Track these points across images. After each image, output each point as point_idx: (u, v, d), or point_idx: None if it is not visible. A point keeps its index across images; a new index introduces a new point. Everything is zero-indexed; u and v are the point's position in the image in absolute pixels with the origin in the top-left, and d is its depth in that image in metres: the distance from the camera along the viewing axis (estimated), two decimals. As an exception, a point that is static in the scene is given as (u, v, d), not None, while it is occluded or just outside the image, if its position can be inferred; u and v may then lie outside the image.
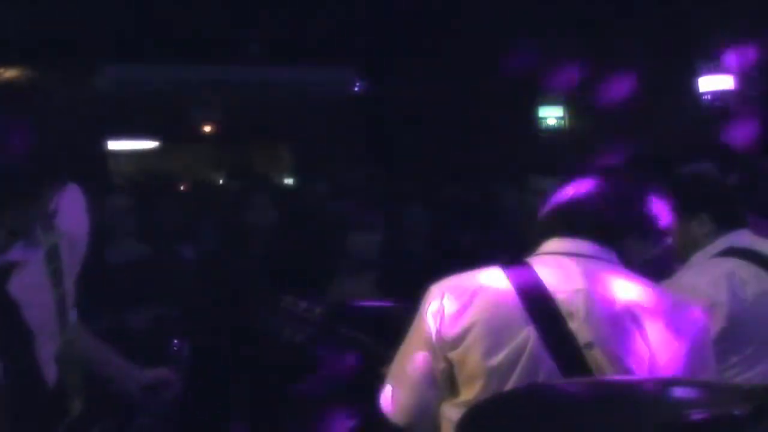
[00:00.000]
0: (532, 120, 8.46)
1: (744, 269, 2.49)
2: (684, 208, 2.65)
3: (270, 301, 4.06)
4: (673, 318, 1.80)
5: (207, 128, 9.65)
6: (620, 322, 1.77)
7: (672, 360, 1.76)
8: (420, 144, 9.35)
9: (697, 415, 1.21)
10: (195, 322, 4.08)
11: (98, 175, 8.61)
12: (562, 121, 8.45)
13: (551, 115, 8.45)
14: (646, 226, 1.96)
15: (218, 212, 5.28)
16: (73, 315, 1.90)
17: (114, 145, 10.27)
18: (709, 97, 6.33)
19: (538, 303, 1.80)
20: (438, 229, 5.14)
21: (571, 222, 1.93)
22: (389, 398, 1.95)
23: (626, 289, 1.82)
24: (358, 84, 9.39)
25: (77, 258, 1.88)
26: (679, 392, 1.45)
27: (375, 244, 3.91)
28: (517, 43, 7.99)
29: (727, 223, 2.61)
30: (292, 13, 7.36)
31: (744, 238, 2.60)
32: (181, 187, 7.59)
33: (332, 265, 3.98)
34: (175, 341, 3.36)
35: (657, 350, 1.75)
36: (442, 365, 1.84)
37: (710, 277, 2.49)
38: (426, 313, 1.87)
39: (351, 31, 7.94)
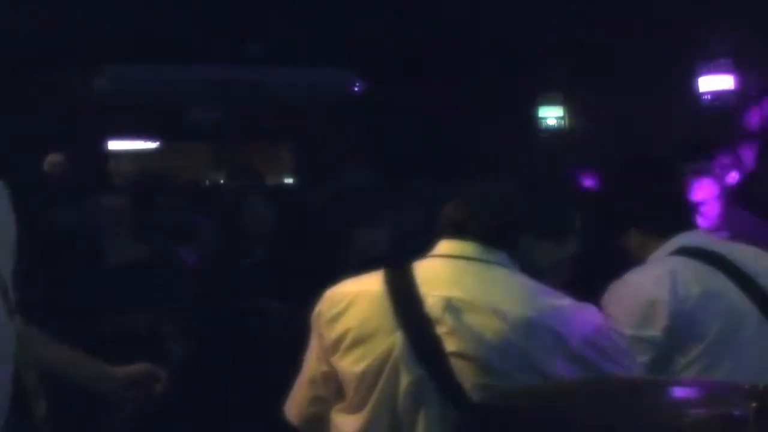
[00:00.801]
0: (532, 120, 8.46)
1: (690, 267, 2.47)
2: (613, 227, 2.68)
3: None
4: (558, 324, 1.68)
5: (207, 128, 9.65)
6: (488, 329, 1.68)
7: (551, 366, 1.65)
8: (420, 144, 9.35)
9: (696, 415, 1.21)
10: (195, 322, 4.09)
11: (98, 175, 8.61)
12: (562, 121, 8.45)
13: (551, 115, 8.44)
14: (544, 227, 1.87)
15: (218, 212, 5.28)
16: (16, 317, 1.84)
17: (114, 145, 10.27)
18: (709, 97, 6.32)
19: (407, 308, 1.74)
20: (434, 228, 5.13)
21: (457, 223, 1.85)
22: (289, 397, 1.96)
23: (499, 294, 1.73)
24: (358, 84, 9.39)
25: (8, 247, 1.81)
26: (679, 392, 1.44)
27: (381, 241, 3.90)
28: (517, 42, 7.99)
29: (662, 229, 2.59)
30: (292, 13, 7.36)
31: (696, 237, 2.59)
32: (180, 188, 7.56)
33: (336, 263, 3.97)
34: (170, 342, 3.36)
35: (532, 356, 1.65)
36: (327, 370, 1.83)
37: (653, 275, 2.47)
38: (312, 318, 1.88)
39: (351, 31, 7.94)
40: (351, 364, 1.76)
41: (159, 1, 7.03)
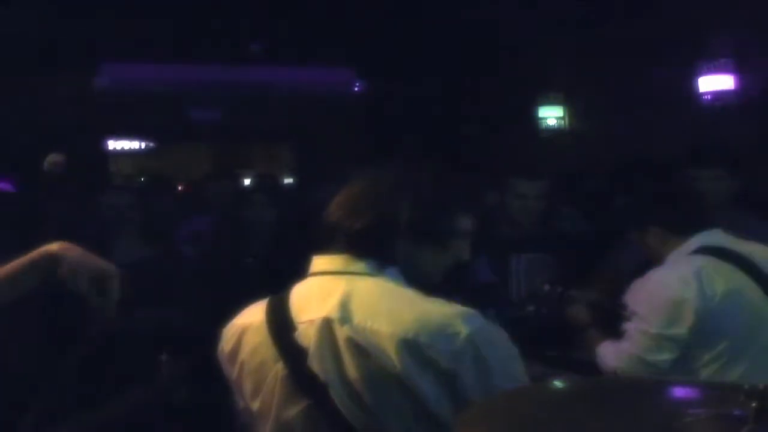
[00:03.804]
0: (532, 120, 8.46)
1: (714, 266, 2.50)
2: (634, 226, 2.70)
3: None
4: (428, 337, 1.52)
5: (206, 128, 9.65)
6: (348, 353, 1.55)
7: (421, 384, 1.52)
8: (420, 144, 9.35)
9: (696, 415, 1.21)
10: (196, 322, 4.09)
11: (98, 174, 8.61)
12: (562, 121, 8.45)
13: (551, 115, 8.44)
14: (421, 231, 1.67)
15: (217, 212, 5.28)
16: None
17: (114, 145, 10.28)
18: (709, 97, 6.32)
19: (282, 338, 1.63)
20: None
21: (327, 233, 1.71)
22: None
23: (361, 310, 1.57)
24: (358, 84, 9.40)
25: None
26: (679, 392, 1.45)
27: None
28: (517, 42, 8.00)
29: (684, 228, 2.62)
30: (292, 12, 7.36)
31: (716, 237, 2.61)
32: (179, 188, 7.59)
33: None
34: (163, 356, 3.35)
35: (410, 380, 1.52)
36: (245, 407, 1.75)
37: (678, 273, 2.50)
38: (218, 355, 1.81)
39: (351, 30, 7.94)
40: (249, 401, 1.69)
41: (159, 0, 7.03)
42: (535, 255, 3.69)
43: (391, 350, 1.52)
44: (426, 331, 1.53)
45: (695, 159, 3.59)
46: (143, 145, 10.87)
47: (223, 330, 1.79)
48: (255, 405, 1.67)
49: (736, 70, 6.18)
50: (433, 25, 7.65)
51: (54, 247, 1.85)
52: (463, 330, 1.53)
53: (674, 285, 2.47)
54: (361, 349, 1.54)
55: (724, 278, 2.47)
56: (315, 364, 1.57)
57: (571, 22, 7.30)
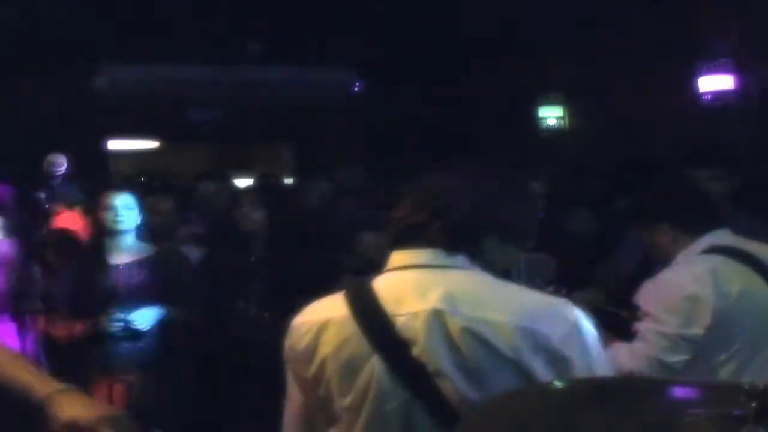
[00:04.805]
0: (532, 121, 8.46)
1: (728, 266, 2.50)
2: (643, 220, 2.69)
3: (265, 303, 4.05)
4: (538, 325, 1.60)
5: (207, 128, 9.66)
6: (464, 343, 1.59)
7: (534, 368, 1.58)
8: (420, 144, 9.35)
9: (696, 415, 1.21)
10: (196, 322, 4.09)
11: (99, 174, 8.61)
12: (562, 121, 8.45)
13: (551, 115, 8.44)
14: (508, 230, 1.75)
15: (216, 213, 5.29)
16: None
17: (114, 145, 10.27)
18: (709, 97, 6.32)
19: (378, 331, 1.65)
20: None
21: (414, 228, 1.74)
22: (283, 425, 1.88)
23: (471, 301, 1.63)
24: (357, 84, 9.40)
25: None
26: (679, 392, 1.45)
27: (386, 244, 3.90)
28: (517, 42, 7.99)
29: (694, 227, 2.62)
30: (292, 12, 7.36)
31: (726, 236, 2.62)
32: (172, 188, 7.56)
33: (336, 265, 3.97)
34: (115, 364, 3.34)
35: (524, 364, 1.58)
36: (310, 403, 1.76)
37: (693, 273, 2.50)
38: (284, 351, 1.79)
39: (351, 31, 7.94)
40: (336, 397, 1.68)
41: (159, 1, 7.03)
42: (535, 255, 3.69)
43: (507, 337, 1.58)
44: (538, 318, 1.61)
45: (694, 158, 3.60)
46: (143, 145, 10.87)
47: (293, 327, 1.77)
48: (345, 401, 1.67)
49: (736, 70, 6.18)
50: (433, 25, 7.64)
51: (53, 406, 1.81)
52: (570, 316, 1.64)
53: (689, 284, 2.46)
54: (478, 338, 1.59)
55: (738, 278, 2.48)
56: (424, 354, 1.60)
57: (571, 22, 7.30)
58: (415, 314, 1.62)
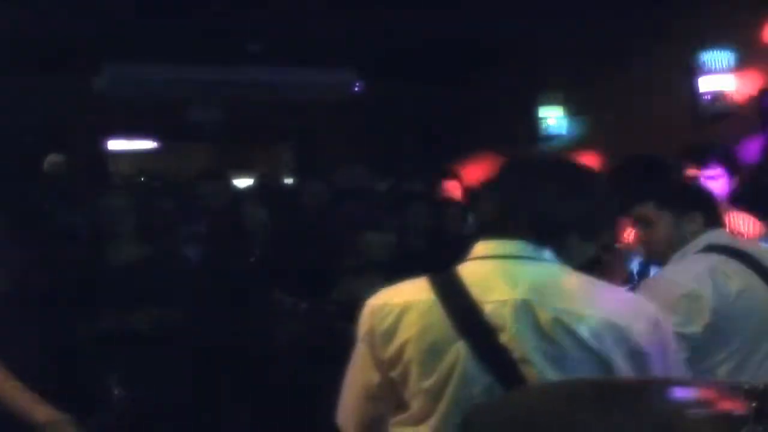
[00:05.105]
0: (533, 120, 8.46)
1: (726, 264, 2.51)
2: (678, 205, 2.67)
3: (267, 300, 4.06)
4: (620, 319, 1.67)
5: (207, 128, 9.65)
6: (553, 332, 1.66)
7: (616, 361, 1.65)
8: (420, 144, 9.36)
9: (696, 415, 1.21)
10: (196, 322, 4.09)
11: (98, 175, 8.61)
12: (562, 121, 8.44)
13: (551, 115, 8.44)
14: (590, 225, 1.81)
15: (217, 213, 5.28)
16: None
17: (114, 145, 10.27)
18: (709, 97, 6.32)
19: (465, 316, 1.69)
20: (439, 228, 5.14)
21: (501, 221, 1.79)
22: (341, 410, 1.90)
23: (559, 293, 1.70)
24: (358, 84, 9.39)
25: None
26: (679, 392, 1.45)
27: (388, 245, 3.90)
28: (518, 42, 8.00)
29: (713, 222, 2.63)
30: (292, 12, 7.36)
31: (722, 235, 2.62)
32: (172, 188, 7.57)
33: (337, 265, 3.97)
34: (116, 390, 3.35)
35: (606, 356, 1.65)
36: (385, 384, 1.78)
37: (693, 272, 2.50)
38: (360, 332, 1.81)
39: (351, 31, 7.94)
40: (415, 379, 1.71)
41: (159, 1, 7.03)
42: None
43: (592, 330, 1.65)
44: (621, 313, 1.68)
45: (693, 158, 3.60)
46: (143, 145, 10.86)
47: (372, 308, 1.79)
48: (425, 384, 1.70)
49: (736, 70, 6.18)
50: (433, 26, 7.64)
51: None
52: (650, 312, 1.72)
53: (689, 282, 2.46)
54: (566, 329, 1.65)
55: (737, 277, 2.48)
56: (512, 342, 1.65)
57: (571, 22, 7.30)
58: (504, 302, 1.68)
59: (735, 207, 3.61)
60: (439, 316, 1.70)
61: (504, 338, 1.66)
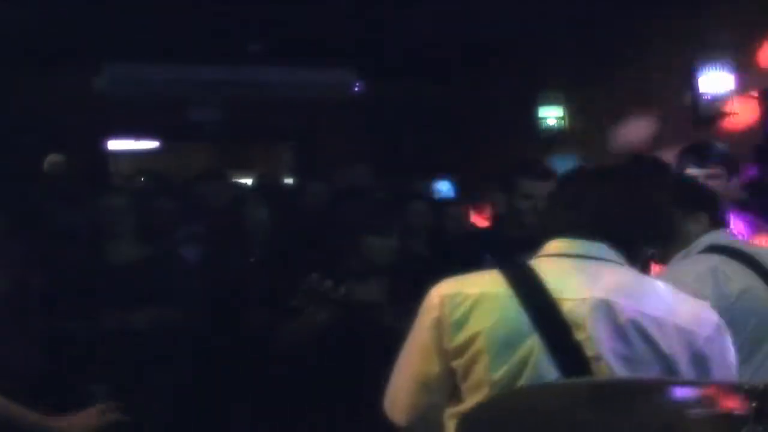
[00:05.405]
0: (532, 120, 8.45)
1: (727, 265, 2.51)
2: (685, 206, 2.67)
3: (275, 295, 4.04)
4: (686, 323, 1.74)
5: (207, 128, 9.65)
6: (628, 333, 1.70)
7: (681, 364, 1.70)
8: (420, 144, 9.35)
9: (697, 415, 1.21)
10: (195, 322, 4.09)
11: (98, 175, 8.61)
12: (562, 121, 8.44)
13: (551, 115, 8.44)
14: (655, 232, 1.92)
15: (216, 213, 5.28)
16: None
17: (114, 145, 10.27)
18: (709, 97, 6.31)
19: (542, 311, 1.71)
20: (439, 230, 5.14)
21: (579, 221, 1.84)
22: (390, 397, 1.91)
23: (633, 295, 1.74)
24: (357, 84, 9.39)
25: None
26: (679, 392, 1.45)
27: (390, 249, 3.89)
28: (518, 42, 8.00)
29: (718, 223, 2.63)
30: (292, 12, 7.36)
31: (723, 236, 2.62)
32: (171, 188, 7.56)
33: (339, 268, 3.95)
34: (92, 386, 3.34)
35: (672, 359, 1.70)
36: (444, 373, 1.79)
37: (694, 272, 2.50)
38: (426, 320, 1.81)
39: (351, 31, 7.94)
40: (483, 370, 1.72)
41: (159, 1, 7.03)
42: None
43: (664, 333, 1.70)
44: (690, 318, 1.75)
45: (693, 158, 3.60)
46: (143, 145, 10.86)
47: (443, 296, 1.80)
48: (496, 375, 1.71)
49: (736, 70, 6.18)
50: (433, 26, 7.64)
51: None
52: (714, 318, 1.80)
53: (690, 283, 2.46)
54: (641, 331, 1.70)
55: (738, 277, 2.48)
56: (588, 340, 1.69)
57: (571, 22, 7.30)
58: (583, 300, 1.71)
59: (736, 208, 3.60)
60: (515, 309, 1.72)
61: (580, 336, 1.69)
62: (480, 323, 1.74)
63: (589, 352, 1.68)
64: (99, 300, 3.95)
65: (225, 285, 4.34)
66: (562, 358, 1.69)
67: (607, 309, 1.71)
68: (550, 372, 1.68)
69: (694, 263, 2.54)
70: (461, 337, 1.75)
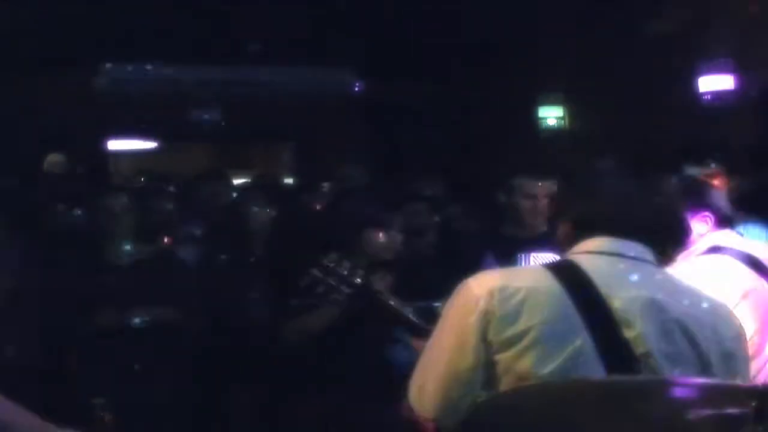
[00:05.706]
0: (532, 120, 8.45)
1: (730, 266, 2.51)
2: (692, 206, 2.67)
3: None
4: (717, 323, 1.81)
5: (207, 128, 9.65)
6: (674, 331, 1.74)
7: (712, 361, 1.75)
8: (421, 144, 9.35)
9: (697, 415, 1.21)
10: (195, 322, 4.09)
11: (98, 175, 8.61)
12: (562, 121, 8.44)
13: (551, 115, 8.43)
14: (683, 235, 2.00)
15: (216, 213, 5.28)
16: None
17: (114, 145, 10.26)
18: (709, 97, 6.31)
19: (592, 308, 1.72)
20: (442, 229, 5.13)
21: (619, 221, 1.87)
22: (418, 389, 1.85)
23: (674, 295, 1.81)
24: (358, 84, 9.39)
25: None
26: (679, 392, 1.45)
27: (392, 245, 3.88)
28: (518, 41, 7.99)
29: (724, 223, 2.63)
30: (292, 12, 7.36)
31: (725, 237, 2.62)
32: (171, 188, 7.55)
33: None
34: (96, 400, 3.33)
35: (707, 357, 1.75)
36: (482, 366, 1.74)
37: (696, 272, 2.49)
38: (468, 311, 1.76)
39: (351, 31, 7.94)
40: (532, 364, 1.69)
41: (160, 1, 7.03)
42: (542, 255, 3.69)
43: (705, 332, 1.76)
44: (722, 317, 1.84)
45: (693, 157, 3.60)
46: (143, 145, 10.85)
47: (487, 288, 1.76)
48: (545, 370, 1.69)
49: (736, 70, 6.18)
50: (433, 25, 7.64)
51: None
52: (737, 318, 1.89)
53: (693, 284, 2.46)
54: (686, 330, 1.75)
55: (740, 278, 2.48)
56: (638, 338, 1.71)
57: (571, 22, 7.29)
58: (634, 298, 1.74)
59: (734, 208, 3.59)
60: (567, 305, 1.73)
61: (629, 334, 1.71)
62: (533, 317, 1.71)
63: (639, 351, 1.70)
64: (99, 300, 3.94)
65: (225, 285, 4.33)
66: (611, 356, 1.69)
67: (655, 307, 1.75)
68: (597, 369, 1.68)
69: (696, 264, 2.54)
70: (511, 331, 1.72)
